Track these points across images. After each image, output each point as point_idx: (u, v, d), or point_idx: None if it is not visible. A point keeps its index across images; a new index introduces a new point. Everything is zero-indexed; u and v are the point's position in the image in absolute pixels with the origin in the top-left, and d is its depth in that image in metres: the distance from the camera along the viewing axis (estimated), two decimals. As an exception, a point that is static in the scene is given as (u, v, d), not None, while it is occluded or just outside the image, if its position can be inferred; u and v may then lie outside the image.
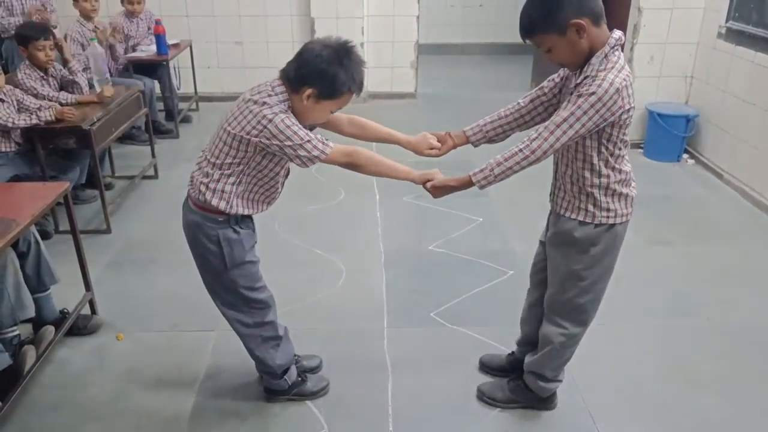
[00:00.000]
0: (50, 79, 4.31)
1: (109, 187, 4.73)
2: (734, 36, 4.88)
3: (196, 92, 6.83)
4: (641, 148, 5.63)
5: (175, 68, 6.40)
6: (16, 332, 2.87)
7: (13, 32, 5.21)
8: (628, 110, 2.04)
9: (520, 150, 2.09)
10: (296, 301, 3.41)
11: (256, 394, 2.77)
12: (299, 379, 2.72)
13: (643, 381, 2.87)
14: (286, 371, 2.64)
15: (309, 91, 2.12)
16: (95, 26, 5.41)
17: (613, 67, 2.00)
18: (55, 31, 5.93)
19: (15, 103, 3.86)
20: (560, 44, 2.03)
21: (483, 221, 4.31)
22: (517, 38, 2.17)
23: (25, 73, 4.16)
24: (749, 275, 3.72)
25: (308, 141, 2.13)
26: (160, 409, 2.70)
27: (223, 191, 2.22)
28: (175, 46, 6.12)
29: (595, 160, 2.14)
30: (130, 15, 5.84)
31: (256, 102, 2.13)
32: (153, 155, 5.09)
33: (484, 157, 2.27)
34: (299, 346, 2.86)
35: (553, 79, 2.30)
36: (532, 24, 2.05)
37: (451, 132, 2.44)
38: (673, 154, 5.43)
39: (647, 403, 2.75)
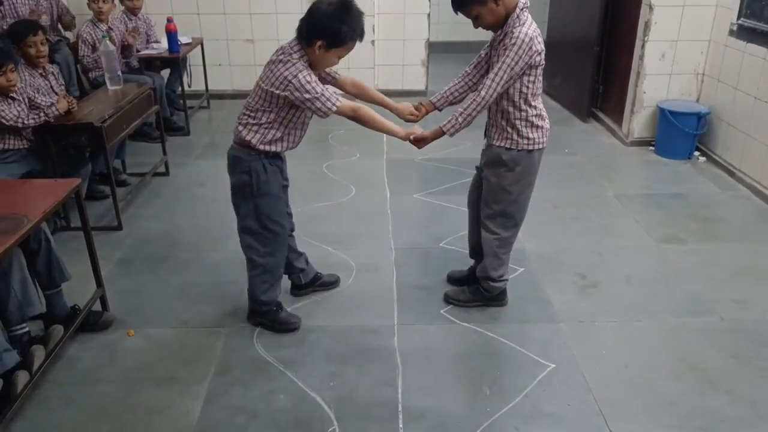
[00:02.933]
0: (50, 76, 4.30)
1: (122, 183, 4.75)
2: (746, 33, 4.85)
3: (207, 89, 6.85)
4: (652, 145, 5.60)
5: (187, 65, 6.42)
6: (26, 329, 2.89)
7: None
8: (541, 53, 2.72)
9: (474, 100, 2.80)
10: (307, 297, 3.42)
11: (266, 391, 2.78)
12: (274, 308, 3.15)
13: (655, 380, 2.86)
14: (265, 304, 3.13)
15: (319, 43, 2.63)
16: (108, 27, 5.43)
17: (523, 24, 2.69)
18: (69, 33, 5.98)
19: (26, 101, 3.88)
20: (483, 12, 2.72)
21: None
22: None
23: (29, 74, 4.15)
24: (762, 273, 3.69)
25: (322, 94, 2.64)
26: (171, 405, 2.71)
27: (257, 132, 2.76)
28: (187, 45, 6.14)
29: (516, 98, 2.81)
30: (130, 12, 5.82)
31: (281, 62, 2.65)
32: (164, 152, 5.11)
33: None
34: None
35: (485, 47, 2.99)
36: None
37: (423, 102, 3.13)
38: (685, 151, 5.40)
39: (659, 401, 2.73)
